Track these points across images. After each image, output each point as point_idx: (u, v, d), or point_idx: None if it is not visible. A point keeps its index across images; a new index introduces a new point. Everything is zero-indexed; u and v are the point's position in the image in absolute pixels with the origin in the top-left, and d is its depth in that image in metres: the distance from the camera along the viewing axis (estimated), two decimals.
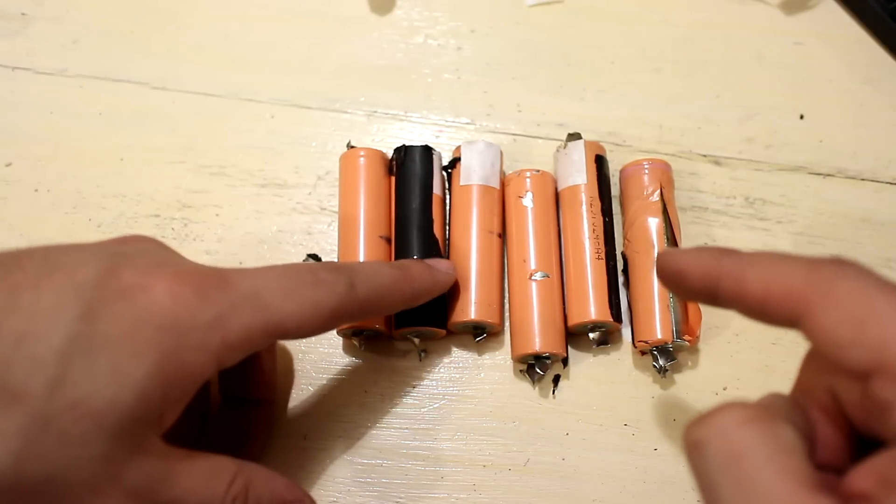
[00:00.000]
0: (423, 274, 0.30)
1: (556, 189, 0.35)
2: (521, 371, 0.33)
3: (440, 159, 0.35)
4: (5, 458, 0.20)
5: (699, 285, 0.22)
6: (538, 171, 0.35)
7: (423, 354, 0.33)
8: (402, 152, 0.34)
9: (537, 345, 0.31)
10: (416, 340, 0.32)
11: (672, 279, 0.24)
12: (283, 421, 0.32)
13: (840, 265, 0.19)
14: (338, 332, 0.33)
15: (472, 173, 0.34)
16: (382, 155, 0.35)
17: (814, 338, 0.19)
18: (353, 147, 0.35)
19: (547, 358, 0.32)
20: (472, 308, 0.32)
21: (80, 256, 0.23)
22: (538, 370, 0.32)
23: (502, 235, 0.34)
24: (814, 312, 0.19)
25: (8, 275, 0.21)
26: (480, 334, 0.33)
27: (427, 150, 0.34)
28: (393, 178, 0.35)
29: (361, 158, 0.34)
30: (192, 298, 0.23)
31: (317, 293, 0.25)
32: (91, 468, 0.21)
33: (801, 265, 0.20)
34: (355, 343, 0.33)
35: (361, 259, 0.32)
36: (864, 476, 0.18)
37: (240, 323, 0.23)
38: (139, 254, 0.24)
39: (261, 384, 0.30)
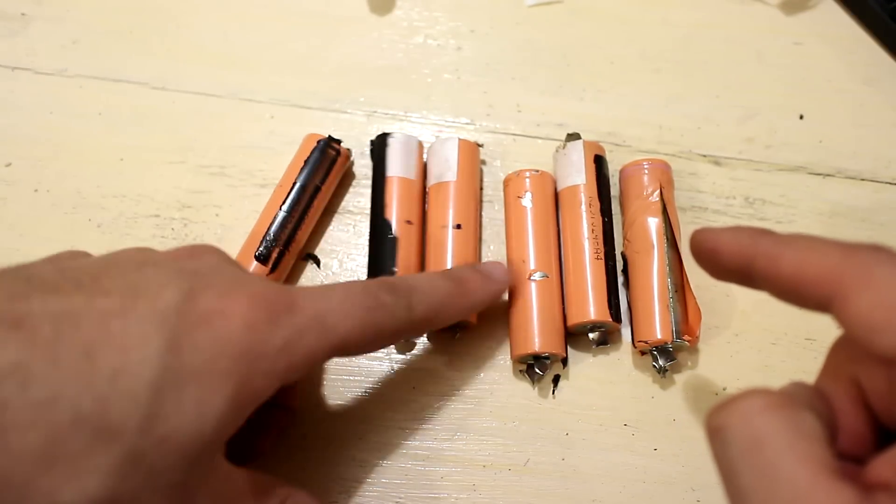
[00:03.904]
0: (478, 286, 0.30)
1: (555, 189, 0.35)
2: (520, 371, 0.33)
3: (417, 146, 0.35)
4: (101, 494, 0.20)
5: (734, 264, 0.22)
6: (537, 171, 0.35)
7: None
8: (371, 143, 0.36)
9: (537, 345, 0.31)
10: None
11: (707, 257, 0.23)
12: None
13: (878, 250, 0.19)
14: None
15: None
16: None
17: (845, 321, 0.19)
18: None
19: (546, 358, 0.32)
20: None
21: (159, 278, 0.22)
22: (538, 370, 0.32)
23: (460, 227, 0.34)
24: (847, 295, 0.19)
25: (93, 299, 0.21)
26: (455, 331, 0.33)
27: (382, 137, 0.35)
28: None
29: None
30: (264, 325, 0.23)
31: (377, 316, 0.26)
32: (169, 497, 0.21)
33: (837, 248, 0.20)
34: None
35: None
36: (885, 465, 0.18)
37: (306, 347, 0.24)
38: (213, 272, 0.24)
39: (288, 391, 0.30)
